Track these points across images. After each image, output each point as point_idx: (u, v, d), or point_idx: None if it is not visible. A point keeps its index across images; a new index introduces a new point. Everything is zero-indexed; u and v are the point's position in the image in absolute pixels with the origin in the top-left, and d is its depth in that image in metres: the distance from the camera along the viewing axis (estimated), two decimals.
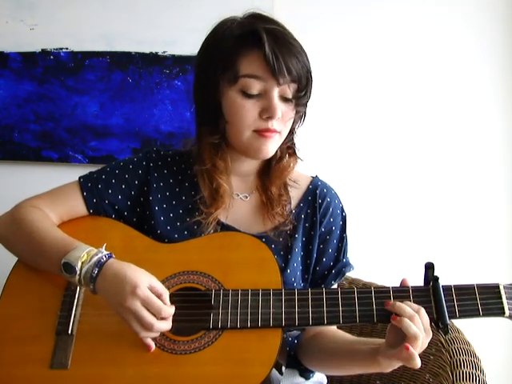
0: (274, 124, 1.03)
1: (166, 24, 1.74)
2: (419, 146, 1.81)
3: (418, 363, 0.88)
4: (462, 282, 0.96)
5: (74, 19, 1.75)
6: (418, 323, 0.89)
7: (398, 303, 0.92)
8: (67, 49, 1.75)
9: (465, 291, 0.95)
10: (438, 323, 0.93)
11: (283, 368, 1.00)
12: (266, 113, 1.02)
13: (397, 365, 0.93)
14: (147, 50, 1.75)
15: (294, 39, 1.04)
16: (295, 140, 1.17)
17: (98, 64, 1.75)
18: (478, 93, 1.81)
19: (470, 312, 0.93)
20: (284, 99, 1.04)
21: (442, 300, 0.93)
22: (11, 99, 1.75)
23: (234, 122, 1.04)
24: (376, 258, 1.72)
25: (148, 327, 0.90)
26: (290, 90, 1.03)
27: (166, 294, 0.94)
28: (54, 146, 1.75)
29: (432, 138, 1.81)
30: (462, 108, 1.81)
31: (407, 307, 0.91)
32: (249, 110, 1.02)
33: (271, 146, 1.06)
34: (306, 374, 1.16)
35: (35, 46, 1.75)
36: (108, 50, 1.75)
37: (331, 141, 1.78)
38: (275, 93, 1.01)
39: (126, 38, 1.75)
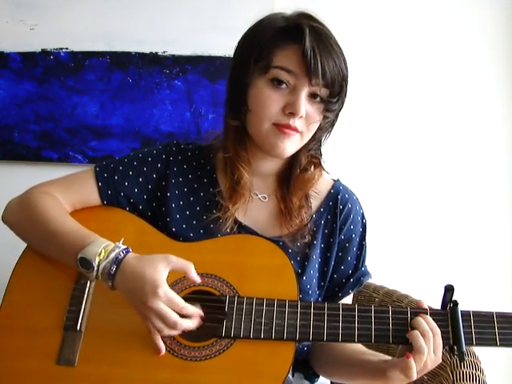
0: (295, 122, 0.99)
1: (166, 24, 1.74)
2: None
3: (413, 375, 0.87)
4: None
5: (73, 19, 1.75)
6: (428, 340, 0.88)
7: (418, 318, 0.91)
8: (67, 49, 1.75)
9: (483, 318, 0.92)
10: (454, 348, 0.91)
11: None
12: (290, 108, 0.98)
13: (402, 380, 0.91)
14: (147, 50, 1.75)
15: (337, 44, 1.01)
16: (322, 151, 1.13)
17: (97, 64, 1.75)
18: (486, 97, 1.80)
19: (487, 341, 0.91)
20: (312, 100, 1.00)
21: (460, 326, 0.91)
22: (11, 99, 1.75)
23: (256, 111, 1.01)
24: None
25: (172, 325, 0.88)
26: (320, 93, 1.00)
27: (190, 268, 0.93)
28: (54, 146, 1.75)
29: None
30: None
31: (424, 323, 0.90)
32: (273, 102, 0.98)
33: (289, 145, 1.01)
34: (311, 377, 1.14)
35: (35, 46, 1.75)
36: (108, 50, 1.75)
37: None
38: (304, 91, 0.98)
39: (126, 38, 1.75)
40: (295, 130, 1.00)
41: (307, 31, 0.96)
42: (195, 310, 0.92)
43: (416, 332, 0.89)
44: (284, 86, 0.98)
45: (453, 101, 1.80)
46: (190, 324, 0.91)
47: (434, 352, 0.88)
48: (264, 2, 1.62)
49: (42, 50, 1.75)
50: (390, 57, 1.80)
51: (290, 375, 0.97)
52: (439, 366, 1.14)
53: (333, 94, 1.00)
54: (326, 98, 1.00)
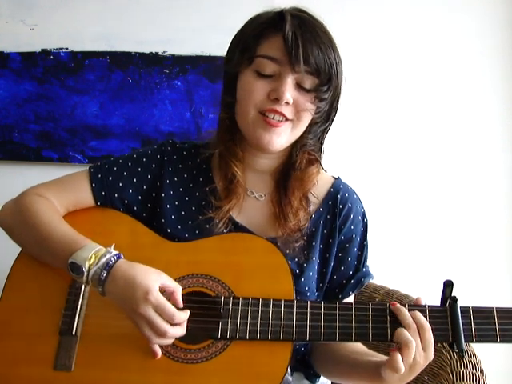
0: (282, 108, 0.97)
1: (166, 24, 1.75)
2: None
3: (400, 369, 0.84)
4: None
5: (74, 19, 1.76)
6: (414, 332, 0.86)
7: (403, 310, 0.89)
8: (67, 49, 1.75)
9: (483, 314, 0.90)
10: (453, 345, 0.89)
11: (288, 370, 0.97)
12: (274, 94, 0.96)
13: (396, 380, 0.89)
14: (147, 50, 1.75)
15: (326, 33, 0.99)
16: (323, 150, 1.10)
17: (97, 64, 1.75)
18: (484, 98, 1.81)
19: (487, 337, 0.89)
20: (300, 88, 0.98)
21: (460, 323, 0.88)
22: (11, 99, 1.75)
23: (243, 100, 1.00)
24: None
25: (161, 334, 0.86)
26: (308, 81, 0.98)
27: (178, 290, 0.90)
28: (54, 146, 1.75)
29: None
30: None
31: (408, 316, 0.88)
32: (258, 89, 0.97)
33: (275, 138, 0.99)
34: (311, 378, 1.12)
35: (35, 46, 1.75)
36: (108, 50, 1.75)
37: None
38: (288, 77, 0.96)
39: (126, 38, 1.75)
40: (282, 115, 0.97)
41: (288, 18, 0.96)
42: (186, 317, 0.90)
43: (401, 328, 0.87)
44: (268, 73, 0.97)
45: (453, 101, 1.80)
46: (180, 331, 0.89)
47: (423, 348, 0.86)
48: (264, 1, 1.62)
49: (42, 50, 1.75)
50: (390, 57, 1.80)
51: (288, 376, 0.96)
52: (439, 366, 1.14)
53: (322, 82, 0.98)
54: (315, 86, 0.98)
